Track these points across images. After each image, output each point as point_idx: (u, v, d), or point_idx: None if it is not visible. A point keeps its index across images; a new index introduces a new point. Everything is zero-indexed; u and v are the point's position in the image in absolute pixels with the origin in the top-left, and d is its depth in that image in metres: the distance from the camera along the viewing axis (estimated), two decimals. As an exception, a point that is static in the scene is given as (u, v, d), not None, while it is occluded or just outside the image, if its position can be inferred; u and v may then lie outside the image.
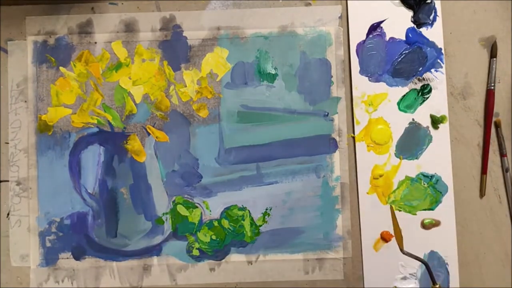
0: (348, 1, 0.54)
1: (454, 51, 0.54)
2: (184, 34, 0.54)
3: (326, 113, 0.54)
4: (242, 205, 0.53)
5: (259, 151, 0.54)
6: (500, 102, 0.54)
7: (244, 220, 0.53)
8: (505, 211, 0.54)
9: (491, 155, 0.54)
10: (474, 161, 0.54)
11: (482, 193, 0.53)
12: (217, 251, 0.53)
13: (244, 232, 0.53)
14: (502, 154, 0.54)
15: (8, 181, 0.54)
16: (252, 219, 0.53)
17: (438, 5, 0.54)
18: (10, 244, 0.53)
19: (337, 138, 0.54)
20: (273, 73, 0.54)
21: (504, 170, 0.54)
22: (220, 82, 0.54)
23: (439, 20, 0.54)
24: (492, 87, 0.54)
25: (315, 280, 0.53)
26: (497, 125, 0.54)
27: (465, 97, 0.54)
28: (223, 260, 0.53)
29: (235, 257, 0.53)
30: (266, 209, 0.53)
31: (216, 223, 0.53)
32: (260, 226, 0.53)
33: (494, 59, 0.54)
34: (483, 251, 0.53)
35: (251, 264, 0.53)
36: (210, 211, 0.53)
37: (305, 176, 0.53)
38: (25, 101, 0.54)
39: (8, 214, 0.54)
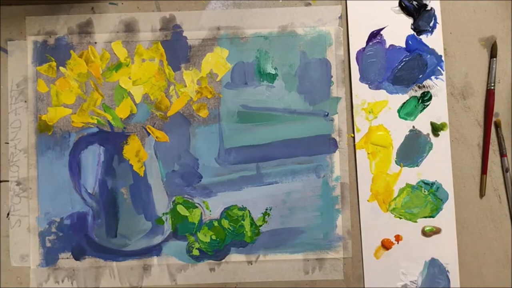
0: (348, 1, 0.54)
1: (454, 51, 0.54)
2: (184, 34, 0.54)
3: (326, 113, 0.54)
4: (242, 205, 0.53)
5: (259, 151, 0.53)
6: (500, 102, 0.54)
7: (244, 220, 0.53)
8: (505, 211, 0.53)
9: (491, 155, 0.54)
10: (474, 161, 0.54)
11: (482, 193, 0.53)
12: (217, 251, 0.53)
13: (244, 232, 0.53)
14: (502, 154, 0.54)
15: (8, 181, 0.54)
16: (252, 219, 0.53)
17: (437, 9, 0.54)
18: (10, 244, 0.53)
19: (337, 138, 0.54)
20: (273, 73, 0.54)
21: (504, 170, 0.54)
22: (220, 82, 0.54)
23: (439, 27, 0.54)
24: (492, 87, 0.54)
25: (315, 280, 0.53)
26: (497, 125, 0.54)
27: (465, 97, 0.54)
28: (223, 260, 0.53)
29: (235, 257, 0.53)
30: (266, 209, 0.53)
31: (216, 223, 0.53)
32: (260, 226, 0.53)
33: (494, 59, 0.54)
34: (483, 251, 0.53)
35: (251, 264, 0.53)
36: (210, 211, 0.53)
37: (305, 176, 0.53)
38: (25, 101, 0.54)
39: (8, 214, 0.54)
